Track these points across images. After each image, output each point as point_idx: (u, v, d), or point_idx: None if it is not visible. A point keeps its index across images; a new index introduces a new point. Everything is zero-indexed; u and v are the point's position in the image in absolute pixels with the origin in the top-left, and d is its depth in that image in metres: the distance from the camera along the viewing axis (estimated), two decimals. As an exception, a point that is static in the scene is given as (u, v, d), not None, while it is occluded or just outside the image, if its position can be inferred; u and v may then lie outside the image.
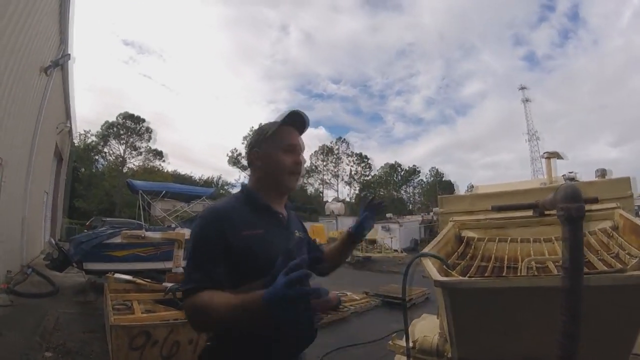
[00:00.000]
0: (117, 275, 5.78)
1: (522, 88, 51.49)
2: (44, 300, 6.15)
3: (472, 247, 2.14)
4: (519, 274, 1.56)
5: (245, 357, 1.10)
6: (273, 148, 1.25)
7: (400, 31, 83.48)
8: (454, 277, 1.30)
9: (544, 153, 3.05)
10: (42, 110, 9.39)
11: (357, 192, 57.41)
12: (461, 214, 2.55)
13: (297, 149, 1.28)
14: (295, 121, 1.29)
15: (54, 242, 8.81)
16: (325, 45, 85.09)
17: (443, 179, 57.53)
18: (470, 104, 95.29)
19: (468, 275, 1.56)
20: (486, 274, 1.64)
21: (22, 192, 8.54)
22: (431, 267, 1.32)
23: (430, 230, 24.87)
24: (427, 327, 2.24)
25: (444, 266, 1.49)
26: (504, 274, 1.59)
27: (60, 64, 10.08)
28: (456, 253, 2.02)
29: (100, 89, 65.58)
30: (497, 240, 2.18)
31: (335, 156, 57.39)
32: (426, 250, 1.59)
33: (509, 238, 2.18)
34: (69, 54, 10.72)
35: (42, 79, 8.94)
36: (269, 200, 1.26)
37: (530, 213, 1.43)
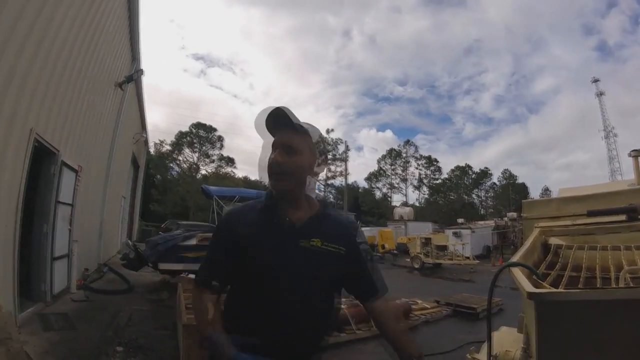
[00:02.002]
0: (191, 275, 5.97)
1: (595, 80, 46.44)
2: (118, 297, 6.57)
3: (560, 255, 1.98)
4: (614, 285, 1.45)
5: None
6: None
7: (465, 27, 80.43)
8: (547, 289, 1.21)
9: (631, 151, 2.76)
10: (118, 122, 10.29)
11: (426, 196, 56.10)
12: (546, 220, 2.38)
13: (277, 146, 1.23)
14: (271, 123, 1.25)
15: (130, 243, 9.48)
16: (390, 47, 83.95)
17: (516, 182, 54.65)
18: (542, 101, 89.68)
19: (561, 286, 1.46)
20: (579, 286, 1.52)
21: (100, 197, 9.39)
22: (522, 278, 1.23)
23: (504, 236, 23.30)
24: (507, 341, 2.12)
25: (534, 277, 1.38)
26: (598, 286, 1.49)
27: (133, 79, 10.93)
28: (544, 262, 1.88)
29: (174, 101, 71.28)
30: (586, 248, 1.99)
31: (403, 160, 56.54)
32: (513, 259, 1.52)
33: (599, 246, 1.97)
34: (142, 69, 11.63)
35: (117, 93, 9.76)
36: (284, 204, 1.25)
37: (618, 218, 1.39)
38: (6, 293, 3.76)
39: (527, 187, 54.80)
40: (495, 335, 2.33)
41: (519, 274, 1.29)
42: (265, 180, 1.25)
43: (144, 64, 12.01)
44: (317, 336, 1.25)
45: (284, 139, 1.22)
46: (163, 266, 7.40)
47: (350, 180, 53.74)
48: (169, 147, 44.85)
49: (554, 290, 1.21)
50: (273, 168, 1.21)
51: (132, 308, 5.83)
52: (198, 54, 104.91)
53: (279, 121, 1.23)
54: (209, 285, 1.21)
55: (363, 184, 59.10)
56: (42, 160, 5.20)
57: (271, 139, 1.26)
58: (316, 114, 79.36)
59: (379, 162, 57.61)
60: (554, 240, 2.19)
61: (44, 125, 4.76)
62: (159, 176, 41.29)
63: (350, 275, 1.30)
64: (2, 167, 3.73)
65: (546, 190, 52.60)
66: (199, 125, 46.08)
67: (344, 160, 44.21)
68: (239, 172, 48.06)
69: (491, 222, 28.08)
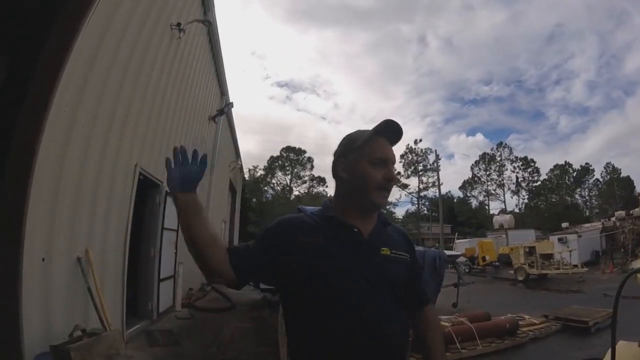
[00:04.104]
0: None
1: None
2: (221, 315, 6.96)
3: None
4: None
5: None
6: (362, 160, 1.16)
7: (543, 13, 73.12)
8: None
9: None
10: (215, 153, 11.24)
11: (525, 201, 51.02)
12: None
13: (389, 163, 1.18)
14: (389, 132, 1.20)
15: (231, 263, 10.09)
16: (468, 47, 79.53)
17: (620, 176, 47.72)
18: (638, 80, 75.61)
19: None
20: None
21: (202, 222, 10.24)
22: None
23: (613, 238, 20.19)
24: (627, 357, 1.97)
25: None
26: None
27: (225, 112, 11.93)
28: None
29: (264, 128, 76.91)
30: None
31: (497, 164, 52.76)
32: (635, 265, 1.24)
33: None
34: (231, 103, 12.64)
35: (211, 126, 10.74)
36: (350, 215, 1.18)
37: None
38: (115, 312, 4.18)
39: (632, 181, 47.19)
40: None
41: None
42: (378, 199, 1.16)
43: (233, 97, 13.06)
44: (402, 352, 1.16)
45: (393, 156, 1.21)
46: (264, 285, 7.63)
47: (444, 190, 51.20)
48: (262, 172, 48.28)
49: None
50: (391, 187, 1.18)
51: (235, 325, 6.07)
52: (281, 81, 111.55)
53: (394, 137, 1.22)
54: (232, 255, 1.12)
55: (457, 193, 56.39)
56: (148, 191, 5.85)
57: (367, 142, 1.18)
58: (403, 126, 77.65)
59: (472, 168, 54.59)
60: None
61: (147, 160, 5.34)
62: (254, 200, 44.33)
63: (410, 282, 1.24)
64: (111, 199, 4.24)
65: (652, 183, 44.61)
66: (288, 149, 48.98)
67: (436, 170, 42.18)
68: (331, 191, 49.49)
69: (598, 224, 24.73)
